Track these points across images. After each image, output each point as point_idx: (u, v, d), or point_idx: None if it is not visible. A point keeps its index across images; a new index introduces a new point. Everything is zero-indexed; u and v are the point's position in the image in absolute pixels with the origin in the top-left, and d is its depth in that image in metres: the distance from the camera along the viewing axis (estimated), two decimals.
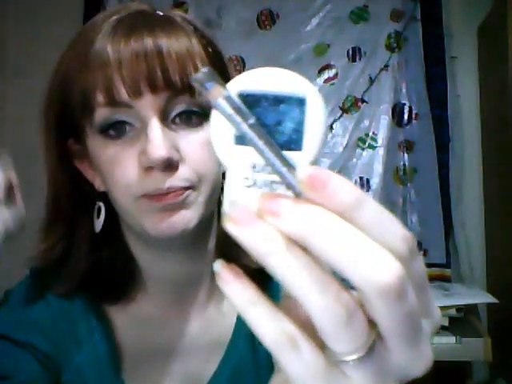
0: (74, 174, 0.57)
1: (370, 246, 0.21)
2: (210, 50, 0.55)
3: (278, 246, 0.22)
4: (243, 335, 0.61)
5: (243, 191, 0.24)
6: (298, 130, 0.23)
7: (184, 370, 0.60)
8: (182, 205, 0.51)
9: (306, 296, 0.21)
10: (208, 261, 0.60)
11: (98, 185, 0.56)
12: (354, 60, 1.91)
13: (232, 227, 0.23)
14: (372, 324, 0.22)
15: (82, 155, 0.56)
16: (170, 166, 0.49)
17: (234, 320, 0.62)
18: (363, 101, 1.90)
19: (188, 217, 0.51)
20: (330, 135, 1.91)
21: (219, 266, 0.24)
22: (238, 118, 0.23)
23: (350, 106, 1.90)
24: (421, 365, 0.24)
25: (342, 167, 1.89)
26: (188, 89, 0.50)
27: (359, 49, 1.91)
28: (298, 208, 0.22)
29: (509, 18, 1.51)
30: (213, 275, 0.67)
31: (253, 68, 0.25)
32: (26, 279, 0.62)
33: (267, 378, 0.61)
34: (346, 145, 1.90)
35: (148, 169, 0.50)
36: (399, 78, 1.89)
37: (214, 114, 0.24)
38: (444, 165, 1.83)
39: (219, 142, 0.24)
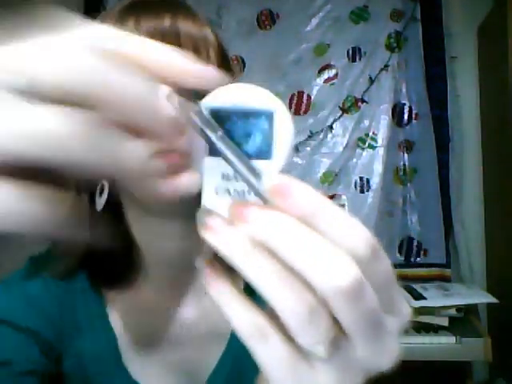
0: None
1: (328, 249, 0.23)
2: (220, 41, 0.57)
3: (245, 249, 0.24)
4: None
5: (217, 199, 0.27)
6: (267, 142, 0.25)
7: (184, 357, 0.61)
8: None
9: (270, 294, 0.23)
10: (203, 241, 0.60)
11: None
12: (353, 60, 1.91)
13: (205, 233, 0.26)
14: (336, 320, 0.24)
15: None
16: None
17: None
18: (363, 101, 1.90)
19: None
20: (330, 135, 1.91)
21: (201, 263, 0.27)
22: (208, 131, 0.25)
23: (350, 106, 1.90)
24: (386, 359, 0.26)
25: (341, 167, 1.89)
26: None
27: (359, 49, 1.91)
28: (264, 214, 0.24)
29: (509, 18, 1.51)
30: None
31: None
32: (25, 266, 0.62)
33: None
34: (346, 145, 1.90)
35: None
36: (399, 77, 1.89)
37: (189, 129, 0.26)
38: (444, 165, 1.83)
39: (194, 153, 0.27)
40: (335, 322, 0.24)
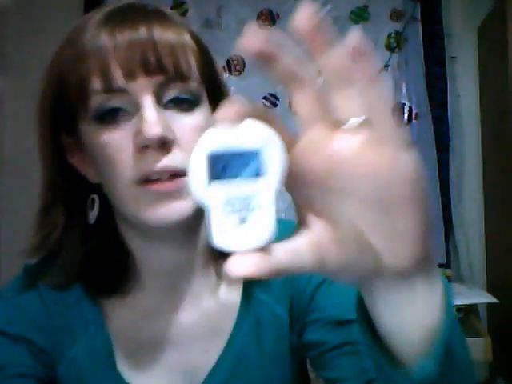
0: (67, 168, 0.58)
1: None
2: (200, 43, 0.57)
3: None
4: (247, 325, 0.61)
5: (223, 217, 0.29)
6: (261, 167, 0.29)
7: (181, 361, 0.61)
8: (177, 194, 0.51)
9: None
10: (200, 249, 0.61)
11: (92, 176, 0.57)
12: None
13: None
14: None
15: (74, 149, 0.57)
16: (164, 145, 0.51)
17: (236, 310, 0.62)
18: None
19: (183, 207, 0.52)
20: None
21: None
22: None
23: None
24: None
25: None
26: (180, 75, 0.52)
27: None
28: None
29: (509, 18, 1.51)
30: (205, 264, 0.67)
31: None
32: (19, 274, 0.63)
33: (273, 368, 0.62)
34: None
35: (143, 148, 0.50)
36: (399, 77, 1.89)
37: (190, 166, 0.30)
38: (444, 165, 1.83)
39: (195, 182, 0.30)
40: None
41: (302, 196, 0.32)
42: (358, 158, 0.29)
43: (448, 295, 0.35)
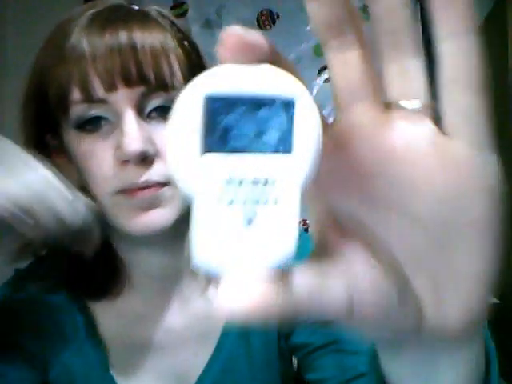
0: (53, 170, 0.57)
1: None
2: (187, 44, 0.55)
3: None
4: (235, 328, 0.61)
5: (218, 214, 0.18)
6: (286, 137, 0.19)
7: (171, 365, 0.60)
8: (158, 202, 0.51)
9: None
10: (188, 253, 0.60)
11: (75, 181, 0.57)
12: None
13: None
14: None
15: (60, 151, 0.56)
16: (145, 159, 0.50)
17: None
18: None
19: (165, 216, 0.51)
20: None
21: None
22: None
23: None
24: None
25: None
26: (162, 85, 0.51)
27: None
28: None
29: (509, 18, 1.51)
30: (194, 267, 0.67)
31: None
32: (9, 279, 0.62)
33: (262, 373, 0.62)
34: None
35: (123, 162, 0.50)
36: None
37: (174, 115, 0.19)
38: None
39: (179, 151, 0.18)
40: None
41: (329, 205, 0.22)
42: (422, 156, 0.20)
43: (489, 347, 0.27)
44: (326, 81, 1.92)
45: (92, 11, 0.53)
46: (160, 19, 0.54)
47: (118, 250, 0.60)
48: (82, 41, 0.50)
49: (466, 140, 0.21)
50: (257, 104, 0.18)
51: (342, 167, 0.21)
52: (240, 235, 0.18)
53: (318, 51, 1.93)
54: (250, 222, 0.18)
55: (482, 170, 0.21)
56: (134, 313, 0.61)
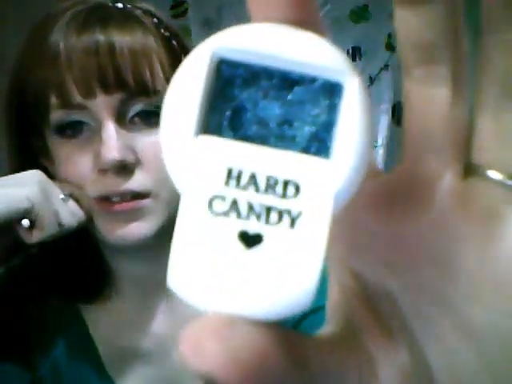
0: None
1: None
2: (175, 43, 0.53)
3: None
4: None
5: (207, 225, 0.12)
6: (325, 132, 0.13)
7: (159, 372, 0.59)
8: (138, 216, 0.50)
9: None
10: None
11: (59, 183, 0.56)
12: (353, 59, 1.91)
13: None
14: None
15: (45, 153, 0.55)
16: (124, 168, 0.48)
17: None
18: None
19: (144, 228, 0.50)
20: None
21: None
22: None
23: None
24: None
25: None
26: (143, 90, 0.48)
27: (359, 48, 1.91)
28: None
29: None
30: None
31: None
32: None
33: None
34: None
35: (102, 171, 0.49)
36: (399, 77, 1.88)
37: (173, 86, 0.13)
38: None
39: (172, 130, 0.13)
40: None
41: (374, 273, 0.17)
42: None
43: None
44: None
45: (72, 10, 0.51)
46: (144, 18, 0.52)
47: (105, 254, 0.59)
48: (59, 43, 0.48)
49: None
50: (288, 80, 0.13)
51: (391, 228, 0.16)
52: (235, 262, 0.12)
53: None
54: (251, 243, 0.12)
55: None
56: (122, 318, 0.60)
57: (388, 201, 0.16)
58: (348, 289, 0.17)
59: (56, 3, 0.53)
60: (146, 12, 0.54)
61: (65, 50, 0.48)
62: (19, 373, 0.56)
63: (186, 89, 0.13)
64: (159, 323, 0.60)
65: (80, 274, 0.58)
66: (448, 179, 0.15)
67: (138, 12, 0.53)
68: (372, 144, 0.14)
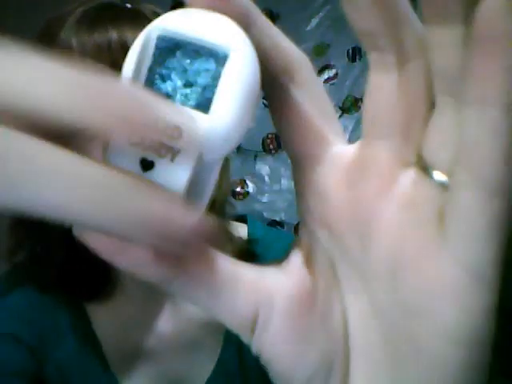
0: None
1: None
2: None
3: None
4: (233, 343, 0.60)
5: (125, 151, 0.17)
6: (207, 96, 0.17)
7: (164, 371, 0.60)
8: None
9: None
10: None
11: None
12: (353, 60, 1.91)
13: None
14: None
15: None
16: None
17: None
18: (363, 101, 1.90)
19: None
20: None
21: None
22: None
23: (349, 105, 1.90)
24: None
25: None
26: None
27: (359, 49, 1.91)
28: None
29: None
30: None
31: None
32: (6, 274, 0.62)
33: (256, 381, 0.61)
34: None
35: None
36: None
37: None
38: None
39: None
40: None
41: (317, 238, 0.20)
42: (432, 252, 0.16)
43: None
44: (326, 81, 1.93)
45: (82, 9, 0.52)
46: (153, 17, 0.53)
47: None
48: (71, 39, 0.49)
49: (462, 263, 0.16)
50: (196, 51, 0.18)
51: (344, 207, 0.18)
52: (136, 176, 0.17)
53: (318, 51, 1.93)
54: (146, 168, 0.17)
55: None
56: (126, 317, 0.60)
57: (347, 171, 0.18)
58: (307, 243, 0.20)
59: (56, 5, 0.53)
60: (155, 12, 0.55)
61: (77, 45, 0.49)
62: (25, 366, 0.56)
63: (130, 55, 0.18)
64: (163, 322, 0.60)
65: (85, 272, 0.59)
66: (389, 166, 0.17)
67: (147, 11, 0.54)
68: (253, 107, 0.17)
